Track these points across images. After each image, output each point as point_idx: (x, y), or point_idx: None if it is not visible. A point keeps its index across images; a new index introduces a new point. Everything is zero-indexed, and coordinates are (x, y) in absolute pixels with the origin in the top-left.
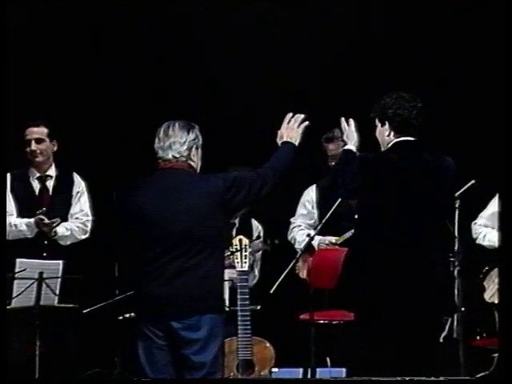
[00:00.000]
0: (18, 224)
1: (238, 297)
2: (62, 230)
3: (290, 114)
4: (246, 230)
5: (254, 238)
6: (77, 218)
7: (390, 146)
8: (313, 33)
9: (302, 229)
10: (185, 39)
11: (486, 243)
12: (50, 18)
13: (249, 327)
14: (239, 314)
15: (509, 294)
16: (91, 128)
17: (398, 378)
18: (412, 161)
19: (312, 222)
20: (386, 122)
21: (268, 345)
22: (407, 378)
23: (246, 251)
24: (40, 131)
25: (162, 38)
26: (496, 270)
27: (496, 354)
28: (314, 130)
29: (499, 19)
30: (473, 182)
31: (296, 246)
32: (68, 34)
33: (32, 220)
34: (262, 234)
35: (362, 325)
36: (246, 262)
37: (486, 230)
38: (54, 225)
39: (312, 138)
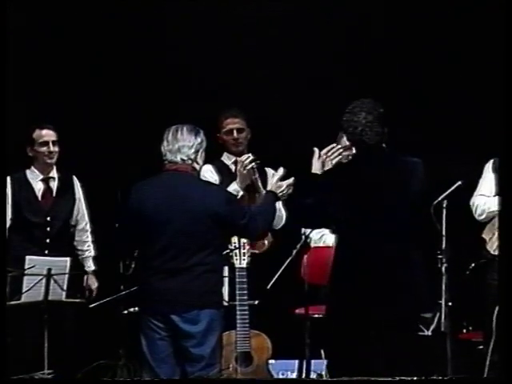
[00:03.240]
0: None
1: (237, 292)
2: (91, 262)
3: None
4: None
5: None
6: (86, 231)
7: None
8: (312, 32)
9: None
10: (185, 40)
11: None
12: (50, 18)
13: (247, 321)
14: (238, 308)
15: (508, 294)
16: (88, 129)
17: (397, 378)
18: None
19: None
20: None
21: (265, 337)
22: (408, 378)
23: (244, 249)
24: (53, 134)
25: (162, 39)
26: (491, 221)
27: (481, 347)
28: (320, 130)
29: (499, 19)
30: (459, 183)
31: (312, 244)
32: (66, 35)
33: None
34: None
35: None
36: (244, 260)
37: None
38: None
39: (316, 135)
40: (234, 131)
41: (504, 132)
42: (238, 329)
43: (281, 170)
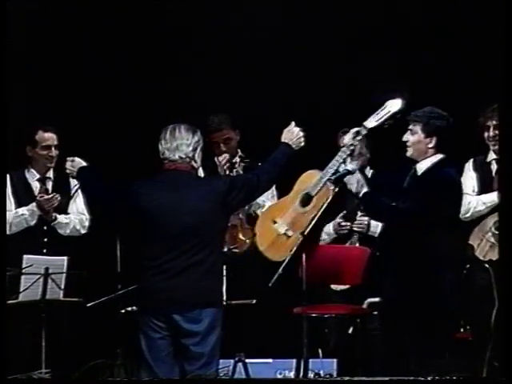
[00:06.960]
0: (20, 210)
1: None
2: (61, 217)
3: (293, 123)
4: None
5: None
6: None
7: (436, 161)
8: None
9: None
10: (186, 40)
11: (483, 208)
12: (50, 18)
13: None
14: None
15: (508, 294)
16: (87, 128)
17: (396, 378)
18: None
19: None
20: (435, 136)
21: None
22: (410, 378)
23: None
24: (55, 137)
25: (163, 39)
26: (477, 227)
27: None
28: (328, 127)
29: (499, 19)
30: None
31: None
32: (65, 36)
33: (33, 203)
34: None
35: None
36: None
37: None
38: (54, 200)
39: (324, 133)
40: (221, 145)
41: (504, 130)
42: None
43: (293, 123)
